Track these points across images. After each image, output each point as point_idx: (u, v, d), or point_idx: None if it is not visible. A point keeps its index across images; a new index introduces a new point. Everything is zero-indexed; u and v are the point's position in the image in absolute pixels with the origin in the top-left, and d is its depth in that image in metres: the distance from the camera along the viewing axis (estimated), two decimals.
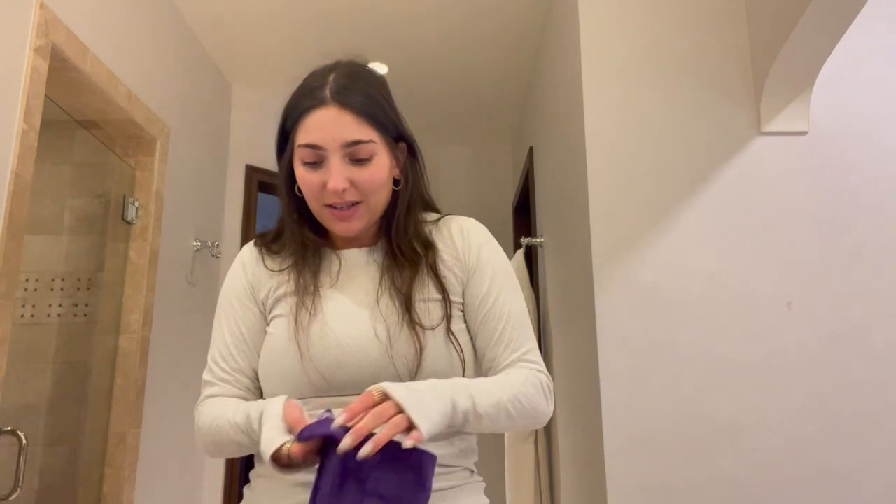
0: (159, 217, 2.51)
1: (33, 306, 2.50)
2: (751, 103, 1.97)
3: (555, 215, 2.59)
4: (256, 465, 1.00)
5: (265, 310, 1.03)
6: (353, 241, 1.04)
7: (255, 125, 3.42)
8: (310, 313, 0.96)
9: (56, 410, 2.43)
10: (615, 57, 2.02)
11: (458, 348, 0.96)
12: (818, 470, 1.76)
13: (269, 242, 1.06)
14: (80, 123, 2.30)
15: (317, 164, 0.94)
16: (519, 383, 0.95)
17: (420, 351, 0.92)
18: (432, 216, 1.08)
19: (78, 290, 2.50)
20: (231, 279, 1.06)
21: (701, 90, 1.98)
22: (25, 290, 2.50)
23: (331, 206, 0.95)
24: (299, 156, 0.95)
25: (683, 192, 1.92)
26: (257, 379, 1.01)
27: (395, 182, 1.02)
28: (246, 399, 1.00)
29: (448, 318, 0.98)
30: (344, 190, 0.93)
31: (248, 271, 1.05)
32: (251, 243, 1.09)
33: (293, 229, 1.03)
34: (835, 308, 1.85)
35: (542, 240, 2.88)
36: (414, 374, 0.91)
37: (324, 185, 0.94)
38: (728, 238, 1.89)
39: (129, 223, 2.41)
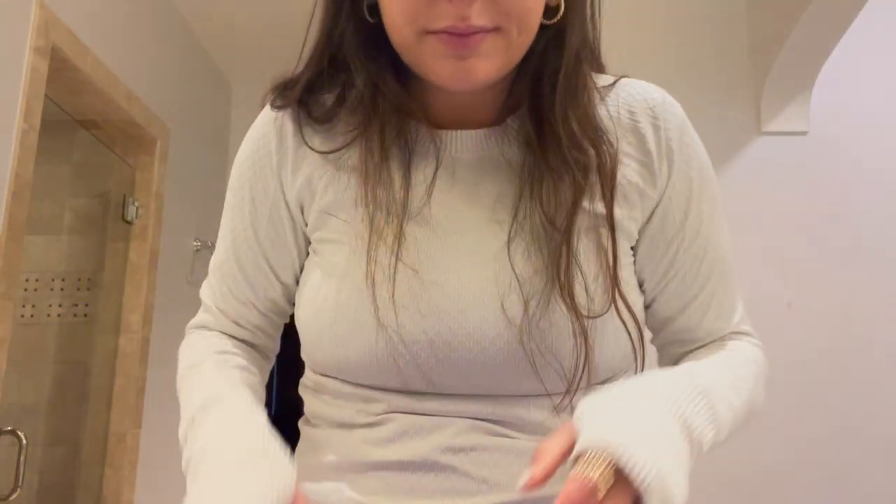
0: (159, 217, 2.51)
1: (33, 306, 2.50)
2: (751, 103, 1.97)
3: None
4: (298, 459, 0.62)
5: (303, 218, 0.63)
6: (460, 119, 0.60)
7: None
8: (393, 253, 0.55)
9: (56, 410, 2.43)
10: (615, 57, 2.02)
11: (631, 330, 0.57)
12: (818, 469, 1.76)
13: (308, 97, 0.61)
14: (80, 123, 2.30)
15: None
16: (752, 379, 0.61)
17: (585, 350, 0.54)
18: (602, 80, 0.65)
19: (78, 290, 2.49)
20: (251, 152, 0.64)
21: (701, 90, 1.98)
22: (25, 290, 2.49)
23: (437, 33, 0.51)
24: None
25: None
26: (275, 313, 0.68)
27: (547, 13, 0.56)
28: (251, 346, 0.68)
29: (618, 279, 0.56)
30: None
31: (279, 146, 0.62)
32: (275, 101, 0.63)
33: (365, 75, 0.57)
34: (835, 308, 1.85)
35: None
36: (572, 379, 0.54)
37: None
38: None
39: (129, 223, 2.41)
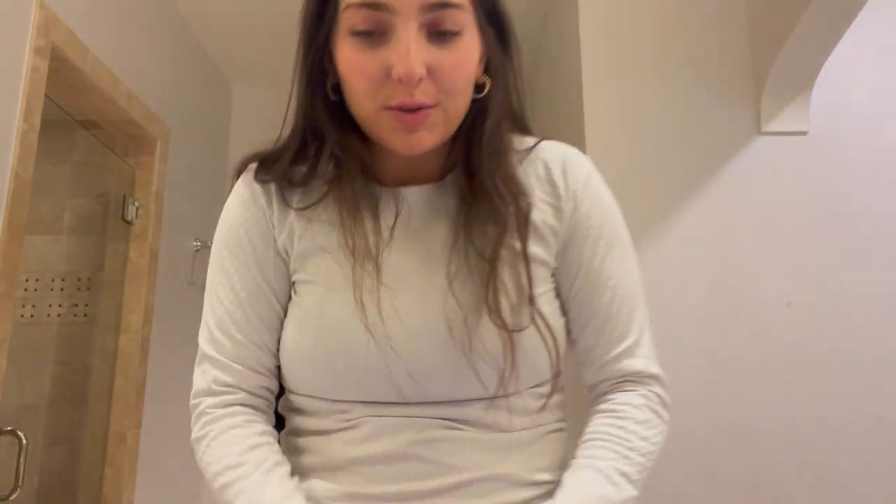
0: (159, 217, 2.51)
1: (33, 306, 2.50)
2: (751, 103, 1.96)
3: None
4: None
5: (289, 261, 0.73)
6: (410, 176, 0.73)
7: (255, 125, 3.42)
8: (373, 277, 0.67)
9: (56, 410, 2.43)
10: (615, 57, 2.02)
11: (549, 342, 0.68)
12: (818, 470, 1.76)
13: (287, 169, 0.72)
14: (80, 123, 2.30)
15: (376, 36, 0.63)
16: (648, 441, 0.72)
17: (512, 357, 0.66)
18: (525, 142, 0.76)
19: (78, 290, 2.50)
20: (243, 210, 0.73)
21: (701, 90, 1.98)
22: (25, 290, 2.49)
23: (392, 109, 0.64)
24: (348, 24, 0.64)
25: (683, 193, 1.92)
26: (277, 359, 0.73)
27: (477, 89, 0.70)
28: (265, 405, 0.73)
29: (533, 298, 0.68)
30: (420, 79, 0.62)
31: (268, 203, 0.73)
32: (252, 172, 0.74)
33: (337, 141, 0.70)
34: (835, 308, 1.85)
35: None
36: (504, 384, 0.67)
37: (385, 72, 0.62)
38: (728, 238, 1.89)
39: (129, 223, 2.41)
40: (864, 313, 1.85)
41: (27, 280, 2.50)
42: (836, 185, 1.92)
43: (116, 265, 2.41)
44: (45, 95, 1.83)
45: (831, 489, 1.75)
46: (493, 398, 0.67)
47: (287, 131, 0.73)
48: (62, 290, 2.51)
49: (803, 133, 1.94)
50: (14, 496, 1.76)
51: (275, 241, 0.72)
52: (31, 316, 2.50)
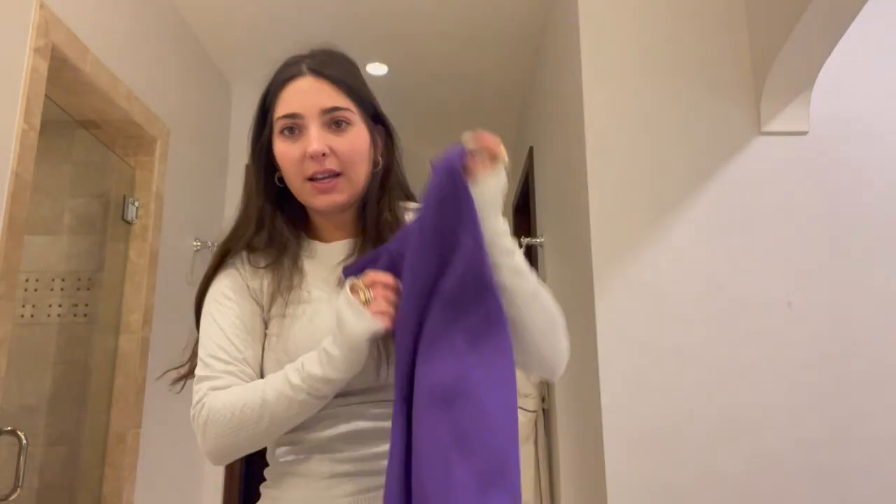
0: (159, 217, 2.51)
1: (33, 306, 2.50)
2: (751, 103, 1.97)
3: (555, 215, 2.59)
4: (277, 458, 0.95)
5: (263, 308, 0.98)
6: (340, 233, 1.01)
7: None
8: (289, 308, 0.94)
9: (56, 410, 2.43)
10: (615, 57, 2.02)
11: None
12: (818, 470, 1.76)
13: (250, 239, 0.99)
14: (80, 123, 2.30)
15: (295, 133, 0.94)
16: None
17: (384, 344, 0.88)
18: (412, 206, 1.04)
19: (78, 290, 2.49)
20: (229, 280, 0.99)
21: (701, 90, 1.98)
22: (25, 290, 2.49)
23: (312, 180, 0.93)
24: (278, 128, 0.95)
25: (683, 193, 1.92)
26: (258, 373, 0.94)
27: (376, 165, 1.00)
28: None
29: None
30: (324, 155, 0.91)
31: (239, 268, 0.99)
32: (231, 260, 1.01)
33: (273, 220, 0.99)
34: (835, 308, 1.85)
35: (542, 240, 2.88)
36: (382, 370, 0.90)
37: (303, 156, 0.92)
38: (728, 238, 1.89)
39: (129, 223, 2.41)
40: (864, 313, 1.85)
41: (27, 280, 2.49)
42: (835, 185, 1.92)
43: (116, 265, 2.41)
44: (45, 95, 1.82)
45: (832, 488, 1.75)
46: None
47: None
48: (62, 290, 2.50)
49: (803, 133, 1.95)
50: (14, 496, 1.76)
51: (250, 295, 0.97)
52: (31, 316, 2.50)
